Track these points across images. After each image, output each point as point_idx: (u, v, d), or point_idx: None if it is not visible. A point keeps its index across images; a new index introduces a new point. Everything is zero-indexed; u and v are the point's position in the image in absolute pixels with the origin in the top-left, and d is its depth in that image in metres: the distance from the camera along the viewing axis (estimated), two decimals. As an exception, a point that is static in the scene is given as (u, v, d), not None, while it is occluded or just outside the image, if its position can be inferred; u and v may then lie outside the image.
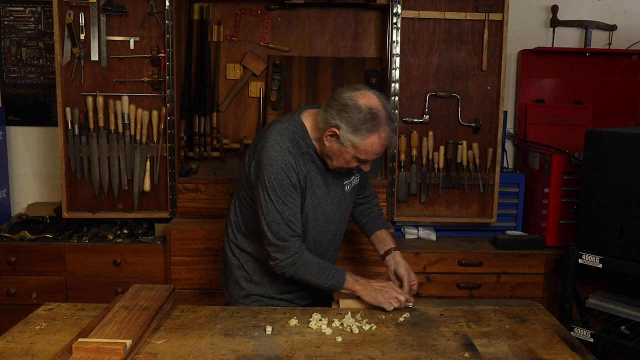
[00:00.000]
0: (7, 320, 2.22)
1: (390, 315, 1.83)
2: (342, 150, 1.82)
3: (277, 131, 1.86)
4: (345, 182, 2.01)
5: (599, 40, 3.47)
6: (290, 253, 1.85)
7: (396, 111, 2.97)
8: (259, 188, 1.85)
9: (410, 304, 1.91)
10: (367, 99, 1.80)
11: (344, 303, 1.93)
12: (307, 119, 1.91)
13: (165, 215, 3.04)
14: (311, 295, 2.09)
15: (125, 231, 3.10)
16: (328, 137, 1.83)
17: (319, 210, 1.95)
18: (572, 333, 2.62)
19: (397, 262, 2.08)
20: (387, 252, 2.11)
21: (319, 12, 3.26)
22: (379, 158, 3.08)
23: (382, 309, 1.87)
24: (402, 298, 1.87)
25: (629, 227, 2.50)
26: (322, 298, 2.09)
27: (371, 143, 1.80)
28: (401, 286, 2.02)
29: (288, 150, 1.83)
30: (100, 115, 2.96)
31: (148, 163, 3.01)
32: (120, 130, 2.98)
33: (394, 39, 2.94)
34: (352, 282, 1.89)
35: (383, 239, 2.15)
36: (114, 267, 2.98)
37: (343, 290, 1.90)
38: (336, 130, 1.80)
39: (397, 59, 2.95)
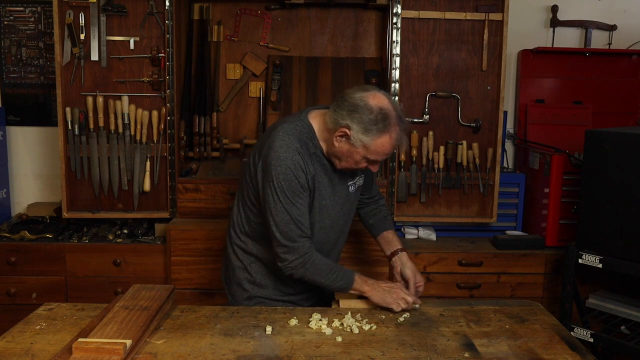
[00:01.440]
0: (7, 320, 2.21)
1: (390, 315, 1.83)
2: (352, 150, 1.82)
3: (285, 131, 1.85)
4: (350, 183, 2.01)
5: (599, 40, 3.47)
6: (300, 254, 1.84)
7: (396, 111, 2.97)
8: (267, 188, 1.84)
9: (417, 305, 1.91)
10: (377, 99, 1.80)
11: (344, 303, 1.93)
12: (314, 120, 1.91)
13: (165, 215, 3.04)
14: (315, 296, 2.09)
15: (125, 231, 3.10)
16: (338, 138, 1.82)
17: (325, 212, 1.94)
18: (572, 333, 2.62)
19: (404, 263, 2.07)
20: (394, 253, 2.11)
21: (319, 12, 3.26)
22: (379, 158, 3.08)
23: (385, 309, 1.87)
24: (409, 299, 1.87)
25: (629, 227, 2.50)
26: (325, 299, 2.09)
27: (382, 143, 1.79)
28: (407, 287, 2.02)
29: (297, 151, 1.82)
30: (100, 115, 2.96)
31: (148, 163, 3.01)
32: (120, 130, 2.98)
33: (394, 39, 2.94)
34: (360, 282, 1.89)
35: (390, 240, 2.15)
36: (114, 267, 2.98)
37: (352, 291, 1.90)
38: (347, 131, 1.79)
39: (397, 59, 2.95)
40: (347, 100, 1.81)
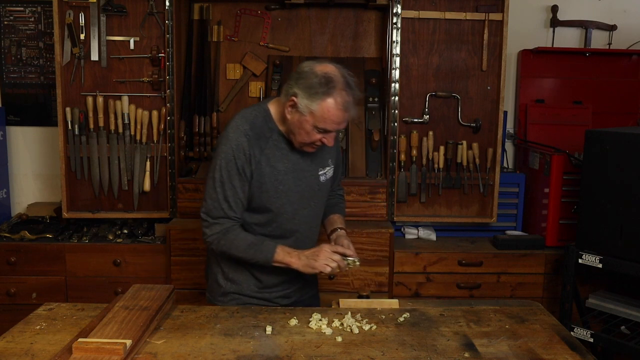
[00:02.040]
0: (7, 320, 2.21)
1: (391, 315, 1.83)
2: (302, 120, 1.81)
3: (240, 115, 1.90)
4: (321, 173, 1.99)
5: (599, 40, 3.47)
6: (216, 231, 1.89)
7: (396, 111, 2.97)
8: (210, 165, 1.91)
9: (356, 260, 1.88)
10: (324, 67, 1.81)
11: (344, 303, 1.93)
12: (274, 105, 1.93)
13: (165, 215, 3.04)
14: (294, 294, 2.06)
15: (125, 231, 3.10)
16: (289, 109, 1.83)
17: (284, 197, 1.92)
18: (572, 333, 2.62)
19: (340, 237, 2.03)
20: (333, 231, 2.08)
21: (319, 12, 3.26)
22: (378, 157, 3.08)
23: (383, 310, 1.87)
24: (336, 257, 1.86)
25: (629, 227, 2.50)
26: (307, 299, 2.08)
27: (327, 108, 1.77)
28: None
29: (244, 133, 1.85)
30: (100, 115, 2.96)
31: (148, 163, 3.01)
32: (120, 130, 2.99)
33: (394, 39, 2.94)
34: (283, 254, 1.88)
35: (333, 221, 2.12)
36: (114, 267, 2.98)
37: (276, 264, 1.89)
38: (294, 99, 1.80)
39: (397, 59, 2.95)
40: (296, 71, 1.85)
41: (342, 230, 2.07)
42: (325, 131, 1.83)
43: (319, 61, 1.85)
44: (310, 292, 2.14)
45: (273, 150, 1.89)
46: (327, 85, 1.77)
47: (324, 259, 1.85)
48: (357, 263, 1.89)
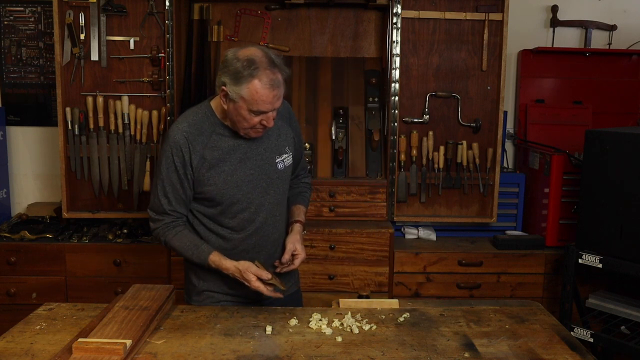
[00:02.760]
0: (7, 320, 2.21)
1: (391, 315, 1.83)
2: (237, 107, 1.82)
3: (182, 116, 1.95)
4: (278, 160, 1.98)
5: (599, 40, 3.47)
6: (160, 225, 1.93)
7: (396, 111, 2.97)
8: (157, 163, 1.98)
9: (280, 286, 1.85)
10: (246, 50, 1.82)
11: (344, 303, 1.93)
12: (215, 100, 1.94)
13: (165, 215, 3.04)
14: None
15: (125, 231, 3.10)
16: (223, 100, 1.84)
17: (235, 188, 1.92)
18: (572, 333, 2.62)
19: (291, 233, 2.01)
20: (290, 224, 2.07)
21: (319, 12, 3.26)
22: (378, 157, 3.08)
23: (383, 310, 1.87)
24: (254, 285, 1.83)
25: (629, 227, 2.50)
26: (285, 297, 2.02)
27: (255, 89, 1.78)
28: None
29: (182, 132, 1.88)
30: (100, 115, 2.96)
31: (148, 163, 3.01)
32: (120, 130, 2.98)
33: (394, 39, 2.94)
34: (217, 263, 1.89)
35: (292, 213, 2.10)
36: (114, 267, 2.98)
37: (214, 265, 1.90)
38: (224, 88, 1.81)
39: (397, 59, 2.95)
40: (222, 60, 1.86)
41: (298, 224, 2.04)
42: (261, 113, 1.83)
43: (242, 47, 1.87)
44: (292, 294, 2.09)
45: (217, 143, 1.91)
46: (249, 67, 1.77)
47: (246, 281, 1.84)
48: (282, 288, 1.85)
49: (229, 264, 1.87)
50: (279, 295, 1.85)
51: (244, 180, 1.93)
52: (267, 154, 1.96)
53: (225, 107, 1.84)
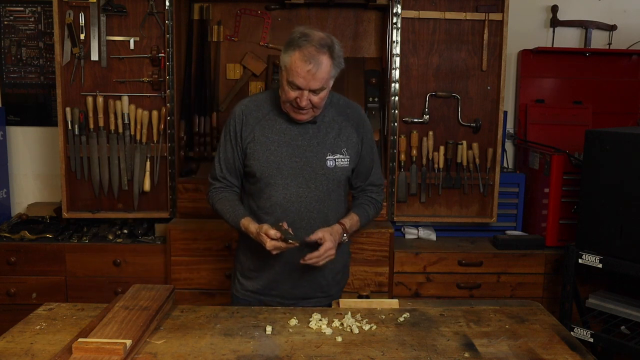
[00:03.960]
0: (7, 320, 2.21)
1: (391, 315, 1.83)
2: (282, 77, 1.89)
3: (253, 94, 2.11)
4: (329, 157, 1.98)
5: (599, 40, 3.47)
6: (210, 189, 2.07)
7: (396, 111, 2.97)
8: None
9: (294, 239, 1.85)
10: (312, 29, 1.87)
11: (344, 303, 1.93)
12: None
13: (165, 215, 3.04)
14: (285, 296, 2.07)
15: (125, 231, 3.10)
16: (280, 74, 1.91)
17: (275, 168, 1.95)
18: (572, 333, 2.62)
19: (330, 227, 1.97)
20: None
21: (319, 12, 3.26)
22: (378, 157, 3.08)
23: (383, 310, 1.87)
24: (268, 244, 1.85)
25: (629, 227, 2.50)
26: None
27: (294, 59, 1.82)
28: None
29: (242, 105, 2.02)
30: (100, 115, 2.96)
31: (148, 163, 3.01)
32: (120, 130, 2.99)
33: (394, 39, 2.94)
34: (245, 225, 1.95)
35: (344, 216, 2.06)
36: (114, 267, 2.98)
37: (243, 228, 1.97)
38: (280, 60, 1.89)
39: (397, 59, 2.95)
40: None
41: (339, 225, 2.00)
42: (296, 87, 1.85)
43: (312, 27, 1.90)
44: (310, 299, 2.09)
45: (271, 122, 1.98)
46: (299, 39, 1.82)
47: (266, 241, 1.86)
48: (294, 239, 1.85)
49: (252, 228, 1.92)
50: (295, 244, 1.85)
51: (286, 165, 1.96)
52: (319, 147, 1.98)
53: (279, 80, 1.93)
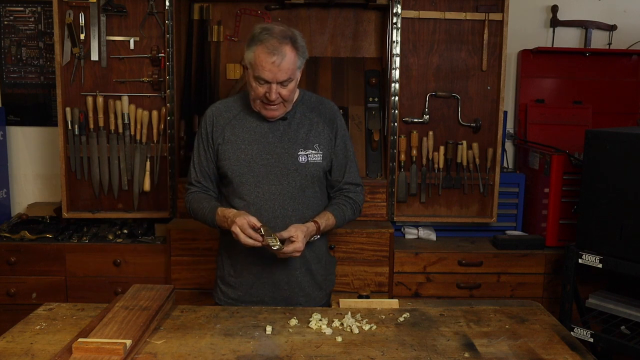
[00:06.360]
0: (7, 320, 2.21)
1: (391, 315, 1.83)
2: (248, 75, 1.90)
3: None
4: (301, 153, 1.96)
5: (599, 40, 3.47)
6: (187, 194, 2.08)
7: (396, 111, 2.97)
8: None
9: (275, 243, 1.81)
10: (272, 23, 1.91)
11: (344, 303, 1.93)
12: None
13: (165, 215, 3.04)
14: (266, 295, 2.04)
15: (125, 231, 3.10)
16: (245, 73, 1.93)
17: (246, 166, 1.94)
18: (572, 333, 2.62)
19: (303, 224, 1.93)
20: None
21: (319, 12, 3.26)
22: (378, 157, 3.08)
23: (383, 310, 1.87)
24: (245, 232, 1.82)
25: (629, 227, 2.50)
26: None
27: (257, 53, 1.83)
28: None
29: (213, 107, 2.05)
30: (100, 115, 2.96)
31: (148, 163, 3.01)
32: (120, 130, 2.99)
33: (394, 39, 2.94)
34: (222, 212, 1.93)
35: (317, 215, 2.00)
36: (114, 267, 2.98)
37: (219, 221, 1.95)
38: (243, 59, 1.91)
39: (397, 59, 2.95)
40: None
41: (313, 223, 1.94)
42: (263, 81, 1.85)
43: (272, 23, 1.94)
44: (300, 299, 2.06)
45: (241, 122, 1.99)
46: (261, 34, 1.83)
47: (240, 234, 1.83)
48: (277, 246, 1.81)
49: (231, 213, 1.88)
50: (271, 248, 1.81)
51: (258, 163, 1.95)
52: (290, 143, 1.97)
53: (246, 80, 1.93)
